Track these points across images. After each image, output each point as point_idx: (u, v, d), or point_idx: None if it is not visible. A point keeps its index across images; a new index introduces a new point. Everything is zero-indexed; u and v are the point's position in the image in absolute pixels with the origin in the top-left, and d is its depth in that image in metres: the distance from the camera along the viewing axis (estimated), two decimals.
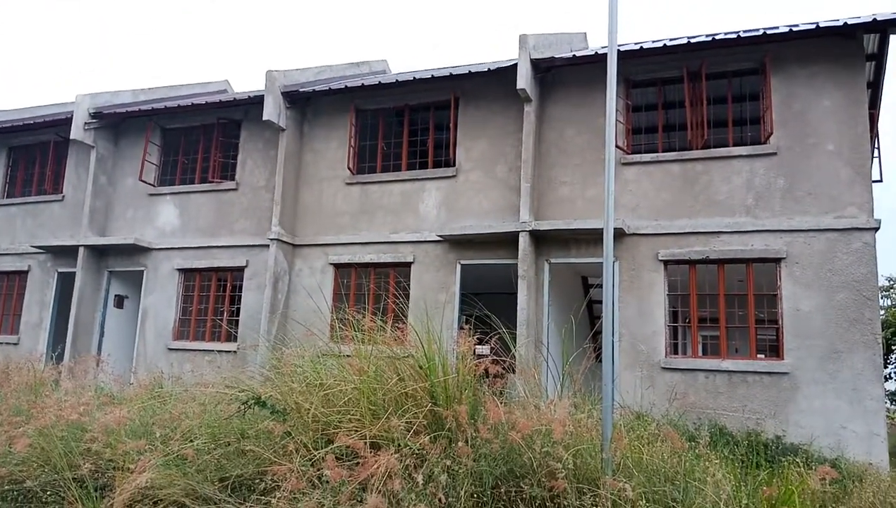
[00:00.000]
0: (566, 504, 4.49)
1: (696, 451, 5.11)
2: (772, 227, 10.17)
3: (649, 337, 10.48)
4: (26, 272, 15.63)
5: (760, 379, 9.79)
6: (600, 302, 11.64)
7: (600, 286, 10.69)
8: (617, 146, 10.69)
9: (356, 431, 5.25)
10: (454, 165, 12.43)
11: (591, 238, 10.91)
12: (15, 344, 15.08)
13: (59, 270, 15.16)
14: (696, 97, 11.08)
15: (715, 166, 10.75)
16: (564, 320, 9.90)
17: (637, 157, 11.25)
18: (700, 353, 10.88)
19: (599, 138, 11.16)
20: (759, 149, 10.56)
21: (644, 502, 4.38)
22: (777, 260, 10.08)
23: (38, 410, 6.26)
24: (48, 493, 5.63)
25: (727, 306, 10.47)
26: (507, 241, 11.35)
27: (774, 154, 10.39)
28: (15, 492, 5.75)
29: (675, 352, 10.82)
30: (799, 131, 10.34)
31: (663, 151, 11.39)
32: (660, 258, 10.68)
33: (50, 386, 7.94)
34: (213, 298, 13.91)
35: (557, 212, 11.41)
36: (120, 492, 5.10)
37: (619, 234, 10.65)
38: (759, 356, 10.34)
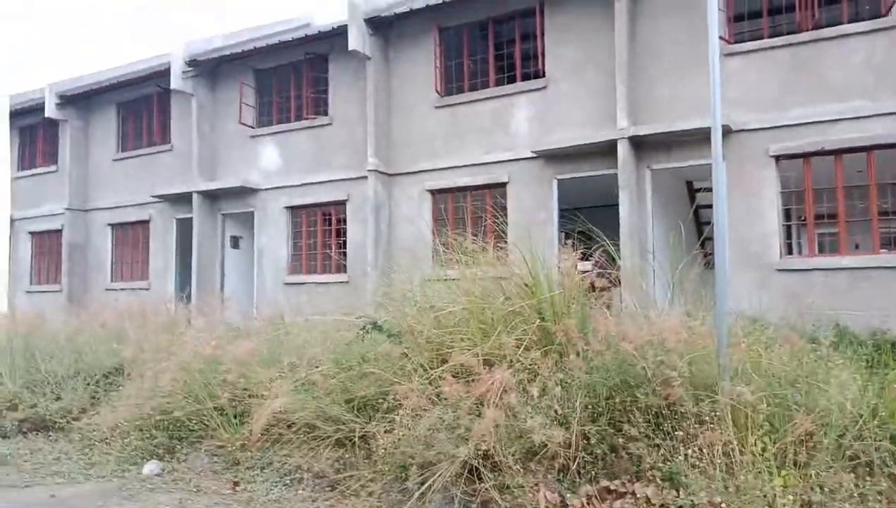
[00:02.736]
0: (683, 411, 4.51)
1: (818, 353, 4.94)
2: (894, 109, 9.31)
3: (761, 238, 10.03)
4: (148, 221, 16.78)
5: (885, 274, 9.21)
6: (708, 206, 11.18)
7: (707, 190, 10.27)
8: (719, 36, 9.97)
9: (468, 350, 5.42)
10: (543, 76, 12.05)
11: (695, 139, 10.38)
12: (146, 289, 16.38)
13: (177, 217, 16.17)
14: None
15: (828, 48, 9.87)
16: (670, 228, 9.63)
17: (740, 47, 10.47)
18: (817, 252, 10.31)
19: (698, 30, 10.39)
20: (880, 24, 9.57)
21: (765, 406, 4.32)
22: None
23: (177, 347, 6.85)
24: (194, 421, 6.23)
25: (846, 199, 9.81)
26: (605, 151, 11.01)
27: None
28: (166, 422, 6.39)
29: (790, 253, 10.32)
30: None
31: (769, 38, 10.53)
32: (770, 154, 10.07)
33: (183, 324, 8.62)
34: (320, 233, 14.46)
35: (656, 114, 10.89)
36: (257, 418, 5.57)
37: (726, 132, 10.07)
38: (881, 250, 9.69)
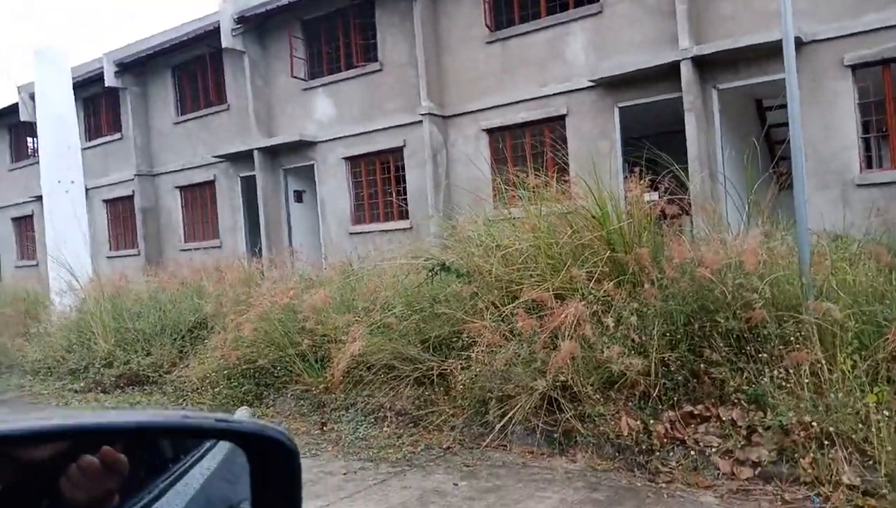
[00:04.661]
0: (766, 333, 4.41)
1: None
2: None
3: (839, 153, 9.54)
4: (213, 181, 17.21)
5: None
6: (779, 125, 10.66)
7: (778, 107, 9.76)
8: None
9: (539, 285, 5.41)
10: (598, 0, 11.57)
11: (762, 54, 9.82)
12: (219, 247, 16.90)
13: (241, 175, 16.50)
14: None
15: None
16: (740, 149, 9.26)
17: None
18: None
19: None
20: None
21: (853, 323, 4.18)
22: None
23: (255, 299, 7.09)
24: (278, 368, 6.49)
25: None
26: (667, 74, 10.55)
27: None
28: (252, 370, 6.68)
29: (870, 166, 9.79)
30: None
31: None
32: (846, 63, 9.47)
33: (258, 278, 8.90)
34: (379, 181, 14.52)
35: (720, 31, 10.34)
36: (338, 362, 5.75)
37: (797, 44, 9.47)
38: None
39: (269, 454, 1.09)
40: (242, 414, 6.17)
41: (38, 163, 14.47)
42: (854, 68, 9.49)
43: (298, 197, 15.97)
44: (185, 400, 6.94)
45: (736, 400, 4.25)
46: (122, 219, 19.46)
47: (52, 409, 5.54)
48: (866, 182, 9.36)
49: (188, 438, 1.26)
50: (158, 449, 1.21)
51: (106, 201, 19.72)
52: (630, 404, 4.56)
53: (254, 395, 6.51)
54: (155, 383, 7.60)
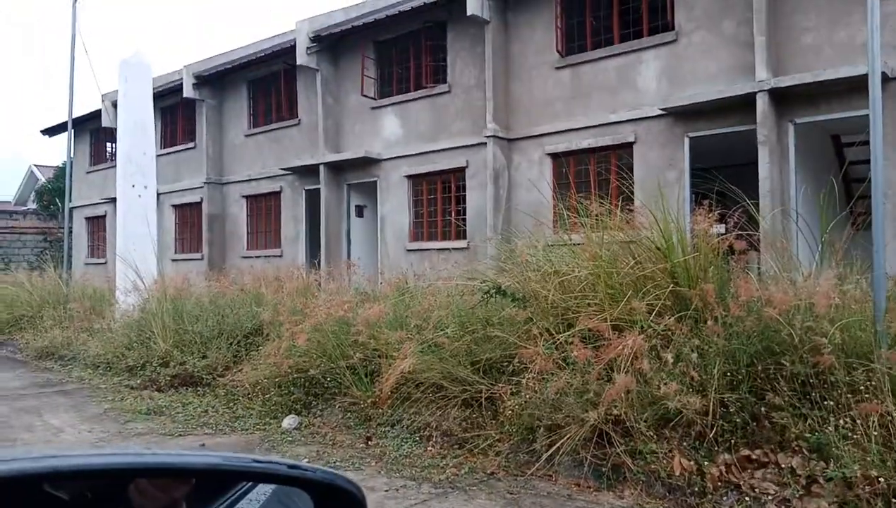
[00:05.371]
0: (833, 380, 4.18)
1: None
2: None
3: None
4: (279, 192, 17.64)
5: None
6: (858, 162, 10.22)
7: (856, 144, 9.31)
8: None
9: (596, 315, 5.28)
10: (673, 28, 11.38)
11: (843, 89, 9.44)
12: (279, 256, 17.28)
13: (306, 188, 16.86)
14: None
15: None
16: (814, 186, 8.91)
17: None
18: None
19: None
20: None
21: None
22: None
23: (310, 310, 7.17)
24: (328, 379, 6.52)
25: None
26: (742, 105, 10.24)
27: None
28: (302, 379, 6.74)
29: None
30: None
31: None
32: None
33: (315, 289, 9.02)
34: (440, 200, 14.60)
35: (800, 64, 10.00)
36: (387, 377, 5.73)
37: (883, 79, 9.08)
38: None
39: (338, 502, 1.10)
40: (290, 422, 6.21)
41: (114, 166, 15.15)
42: None
43: (359, 212, 16.20)
44: (235, 403, 7.04)
45: (797, 448, 4.03)
46: (189, 223, 20.13)
47: (130, 443, 5.71)
48: None
49: (258, 482, 1.26)
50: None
51: (175, 206, 20.46)
52: (685, 443, 4.38)
53: (303, 404, 6.55)
54: (208, 385, 7.76)
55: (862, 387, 4.01)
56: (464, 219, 13.81)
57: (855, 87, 8.69)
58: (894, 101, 9.18)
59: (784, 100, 10.05)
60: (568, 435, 4.63)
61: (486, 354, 5.74)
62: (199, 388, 7.84)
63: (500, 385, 5.32)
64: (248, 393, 7.02)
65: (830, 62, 9.65)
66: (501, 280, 6.45)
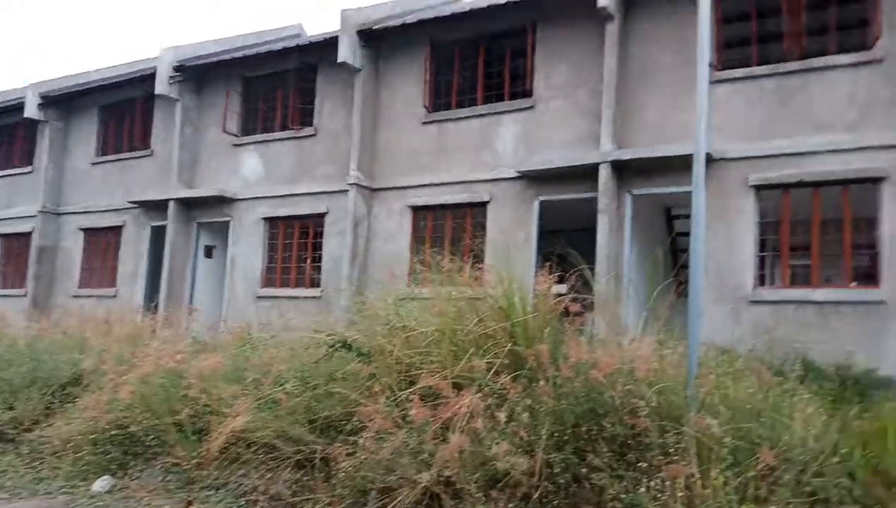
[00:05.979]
0: (648, 441, 4.41)
1: (784, 387, 4.89)
2: (874, 143, 9.38)
3: (737, 269, 10.01)
4: (121, 227, 16.49)
5: (854, 309, 9.22)
6: (685, 234, 11.18)
7: (685, 217, 10.17)
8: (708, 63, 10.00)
9: (438, 372, 5.29)
10: (532, 95, 12.02)
11: (676, 165, 10.33)
12: (113, 296, 16.02)
13: (152, 224, 15.89)
14: (794, 1, 10.19)
15: (813, 78, 9.94)
16: (647, 254, 9.59)
17: (728, 73, 10.47)
18: (790, 284, 10.30)
19: (688, 54, 10.30)
20: (864, 56, 9.66)
21: (729, 439, 4.23)
22: (878, 180, 9.35)
23: (139, 359, 6.64)
24: (150, 437, 6.01)
25: (821, 232, 9.83)
26: (590, 173, 10.92)
27: (881, 61, 9.49)
28: (121, 436, 6.16)
29: (763, 284, 10.27)
30: None
31: (757, 65, 10.55)
32: (750, 183, 10.09)
33: (148, 335, 8.39)
34: (296, 245, 14.27)
35: (643, 139, 10.86)
36: (216, 436, 5.39)
37: (708, 160, 10.00)
38: (851, 284, 9.71)
39: None
40: (102, 485, 5.65)
41: None
42: (758, 189, 10.10)
43: (208, 252, 15.47)
44: (41, 463, 6.31)
45: None
46: (15, 255, 18.29)
47: None
48: (758, 299, 9.81)
49: None
50: None
51: (1, 235, 18.56)
52: (510, 505, 4.42)
53: (119, 464, 5.97)
54: (12, 441, 6.91)
55: (672, 450, 4.25)
56: (319, 267, 13.57)
57: (685, 164, 9.49)
58: (717, 181, 10.17)
59: (625, 171, 10.84)
60: (399, 498, 4.54)
61: (326, 411, 5.55)
62: (0, 444, 6.97)
63: (336, 445, 5.15)
64: (58, 451, 6.31)
65: (669, 139, 10.55)
66: (350, 333, 6.32)
